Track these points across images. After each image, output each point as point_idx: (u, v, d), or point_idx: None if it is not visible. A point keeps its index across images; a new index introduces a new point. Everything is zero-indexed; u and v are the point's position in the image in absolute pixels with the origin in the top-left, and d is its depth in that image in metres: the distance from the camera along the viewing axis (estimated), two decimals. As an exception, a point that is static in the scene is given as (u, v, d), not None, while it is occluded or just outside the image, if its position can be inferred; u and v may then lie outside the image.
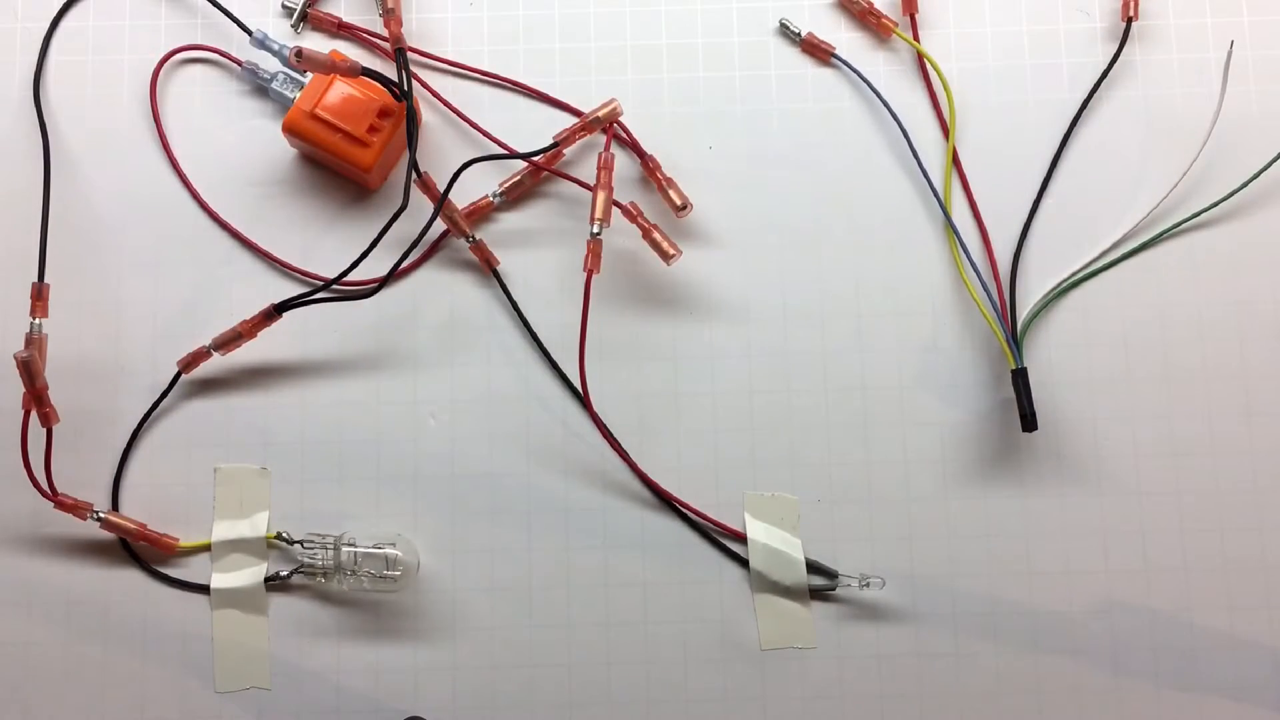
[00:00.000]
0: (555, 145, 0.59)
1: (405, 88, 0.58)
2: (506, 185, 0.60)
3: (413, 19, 0.62)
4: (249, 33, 0.61)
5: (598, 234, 0.57)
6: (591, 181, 0.58)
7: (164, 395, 0.59)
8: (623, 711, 0.57)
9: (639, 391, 0.59)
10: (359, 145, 0.58)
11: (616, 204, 0.58)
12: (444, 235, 0.60)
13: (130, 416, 0.59)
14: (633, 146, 0.61)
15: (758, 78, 0.62)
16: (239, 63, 0.61)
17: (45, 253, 0.58)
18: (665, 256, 0.58)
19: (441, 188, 0.57)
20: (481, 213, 0.60)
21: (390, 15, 0.59)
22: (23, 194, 0.60)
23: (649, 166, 0.60)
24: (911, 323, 0.60)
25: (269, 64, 0.61)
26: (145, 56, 0.62)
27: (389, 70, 0.61)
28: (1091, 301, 0.60)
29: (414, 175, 0.57)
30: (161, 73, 0.61)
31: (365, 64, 0.58)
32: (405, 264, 0.58)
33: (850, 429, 0.59)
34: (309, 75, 0.59)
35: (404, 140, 0.59)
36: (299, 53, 0.55)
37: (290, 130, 0.58)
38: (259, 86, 0.61)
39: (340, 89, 0.59)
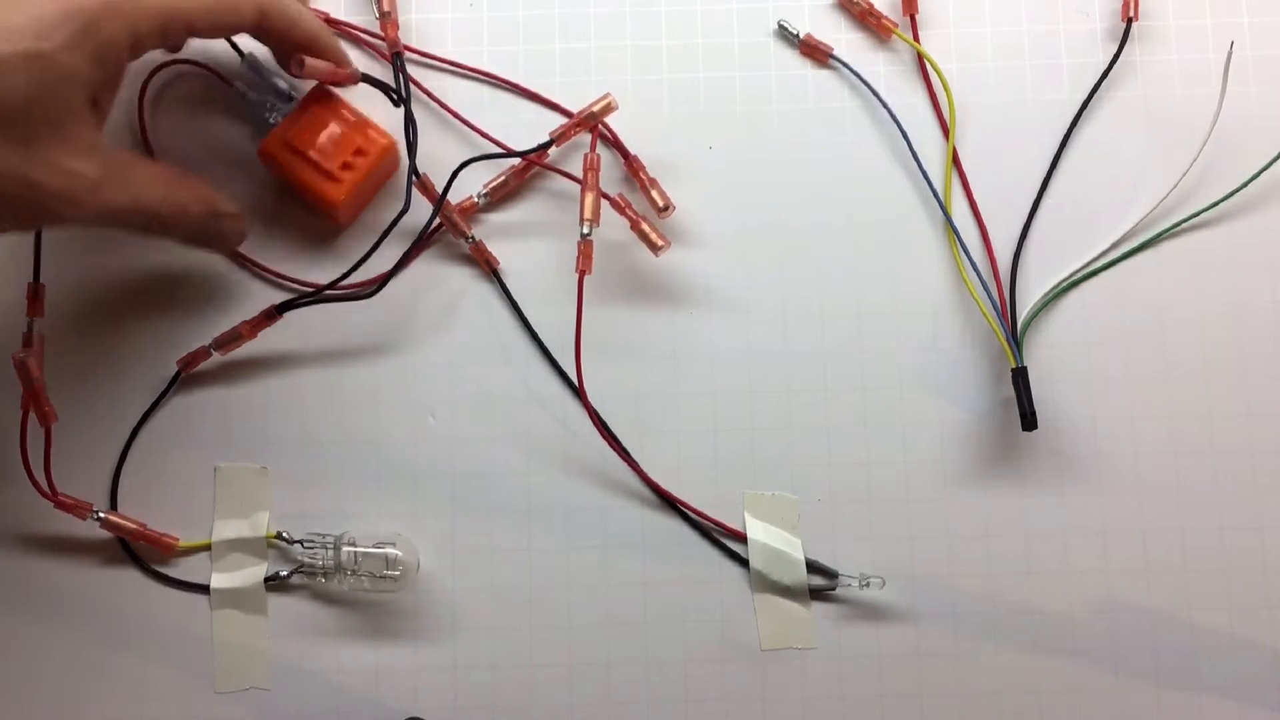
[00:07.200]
0: (550, 143, 0.58)
1: (403, 93, 0.58)
2: (490, 186, 0.59)
3: (412, 19, 0.62)
4: (241, 55, 0.60)
5: (588, 235, 0.57)
6: (585, 180, 0.58)
7: (164, 395, 0.59)
8: (623, 711, 0.57)
9: (638, 391, 0.59)
10: (329, 180, 0.57)
11: (605, 196, 0.58)
12: (437, 228, 0.59)
13: (130, 416, 0.59)
14: (616, 146, 0.61)
15: (757, 78, 0.62)
16: (229, 82, 0.60)
17: (40, 252, 0.58)
18: (654, 248, 0.58)
19: (440, 188, 0.57)
20: (466, 214, 0.60)
21: (386, 19, 0.59)
22: (22, 194, 0.60)
23: (632, 167, 0.60)
24: (911, 323, 0.60)
25: (262, 83, 0.60)
26: (134, 68, 0.60)
27: (386, 74, 0.61)
28: (1091, 301, 0.60)
29: (413, 178, 0.57)
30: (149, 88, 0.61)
31: (362, 68, 0.58)
32: (405, 264, 0.58)
33: (850, 429, 0.59)
34: (293, 103, 0.59)
35: (380, 179, 0.59)
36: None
37: (265, 155, 0.57)
38: (249, 104, 0.60)
39: (324, 121, 0.57)
